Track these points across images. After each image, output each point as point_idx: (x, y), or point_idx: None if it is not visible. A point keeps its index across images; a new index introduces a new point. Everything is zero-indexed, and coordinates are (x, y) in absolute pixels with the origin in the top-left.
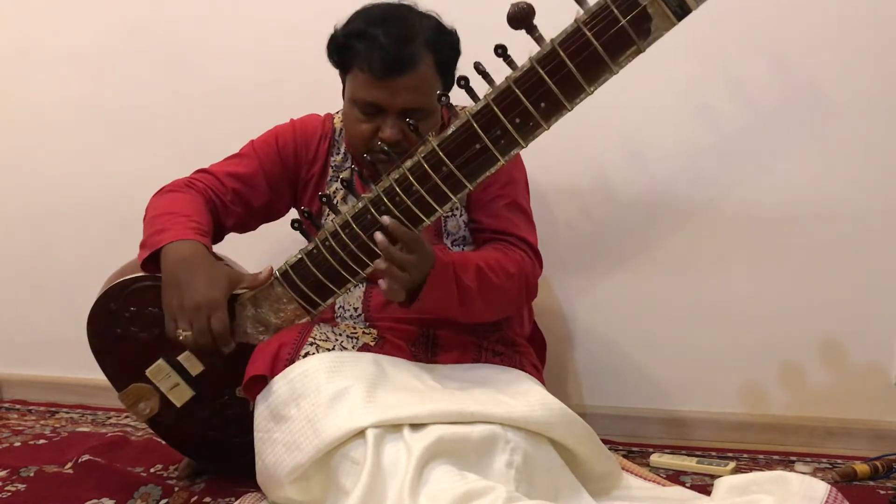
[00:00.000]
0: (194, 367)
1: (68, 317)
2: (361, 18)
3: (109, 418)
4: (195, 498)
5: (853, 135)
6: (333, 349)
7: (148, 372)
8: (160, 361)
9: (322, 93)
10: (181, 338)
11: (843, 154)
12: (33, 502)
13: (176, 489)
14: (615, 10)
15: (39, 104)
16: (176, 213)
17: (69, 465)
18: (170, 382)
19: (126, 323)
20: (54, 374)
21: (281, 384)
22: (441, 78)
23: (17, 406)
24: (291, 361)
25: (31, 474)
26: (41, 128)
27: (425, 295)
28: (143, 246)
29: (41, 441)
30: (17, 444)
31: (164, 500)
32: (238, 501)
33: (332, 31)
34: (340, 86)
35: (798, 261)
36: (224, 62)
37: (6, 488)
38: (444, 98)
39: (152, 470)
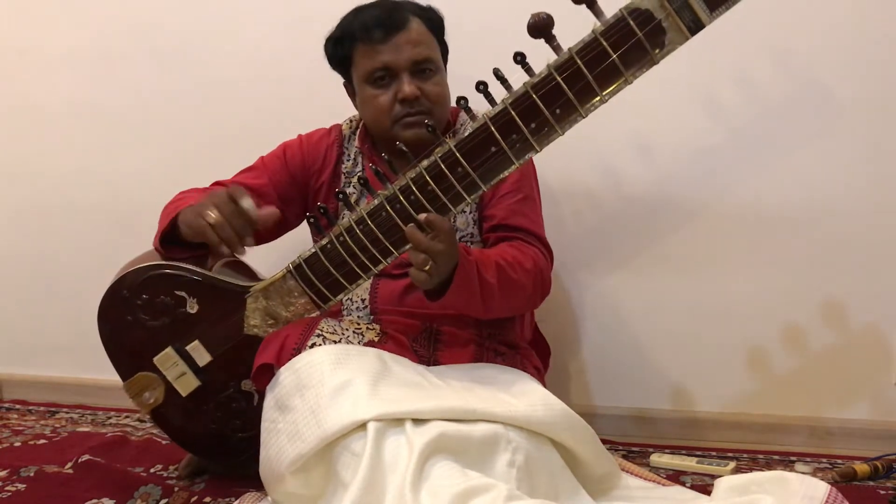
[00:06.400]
0: (202, 357)
1: (68, 317)
2: (349, 14)
3: (109, 418)
4: (195, 498)
5: (858, 133)
6: (340, 342)
7: (156, 359)
8: (168, 349)
9: (322, 92)
10: (212, 220)
11: (848, 153)
12: (33, 502)
13: (176, 489)
14: (632, 23)
15: (39, 104)
16: (192, 199)
17: (69, 465)
18: (177, 371)
19: (137, 310)
20: (54, 374)
21: (287, 374)
22: (435, 37)
23: (17, 406)
24: (298, 352)
25: (31, 474)
26: (41, 128)
27: (451, 293)
28: (159, 231)
29: (41, 441)
30: (17, 444)
31: (164, 500)
32: (238, 501)
33: (326, 31)
34: (340, 86)
35: (799, 260)
36: (224, 62)
37: (6, 488)
38: (462, 101)
39: (152, 470)
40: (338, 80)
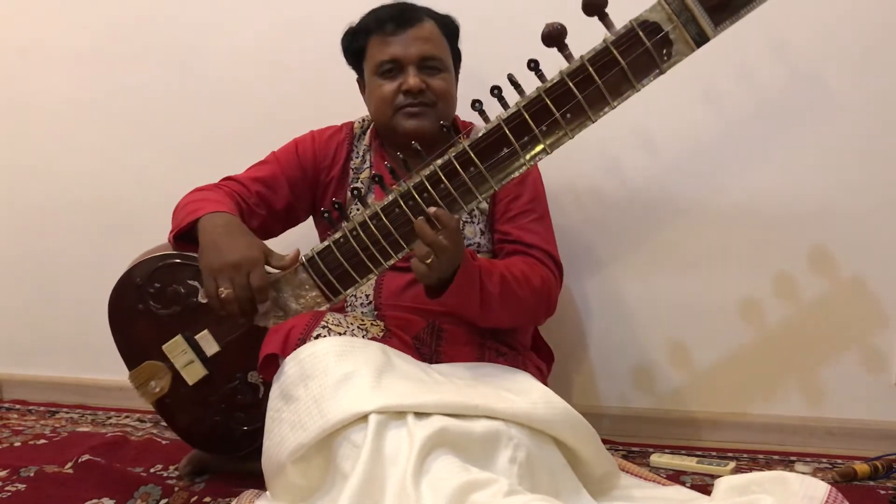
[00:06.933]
0: (210, 346)
1: (68, 317)
2: (366, 14)
3: (109, 418)
4: (195, 498)
5: (858, 129)
6: (345, 334)
7: (165, 347)
8: (178, 337)
9: (321, 92)
10: (223, 296)
11: (846, 150)
12: (33, 502)
13: (176, 489)
14: (641, 34)
15: (39, 104)
16: (208, 200)
17: (69, 465)
18: (185, 359)
19: (148, 298)
20: (54, 374)
21: (291, 364)
22: (447, 41)
23: (17, 406)
24: (303, 342)
25: (31, 474)
26: (41, 127)
27: (450, 292)
28: (175, 227)
29: (41, 441)
30: (17, 444)
31: (164, 500)
32: (236, 501)
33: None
34: (340, 86)
35: (799, 260)
36: (224, 62)
37: (6, 488)
38: (477, 103)
39: (152, 470)
40: (337, 80)
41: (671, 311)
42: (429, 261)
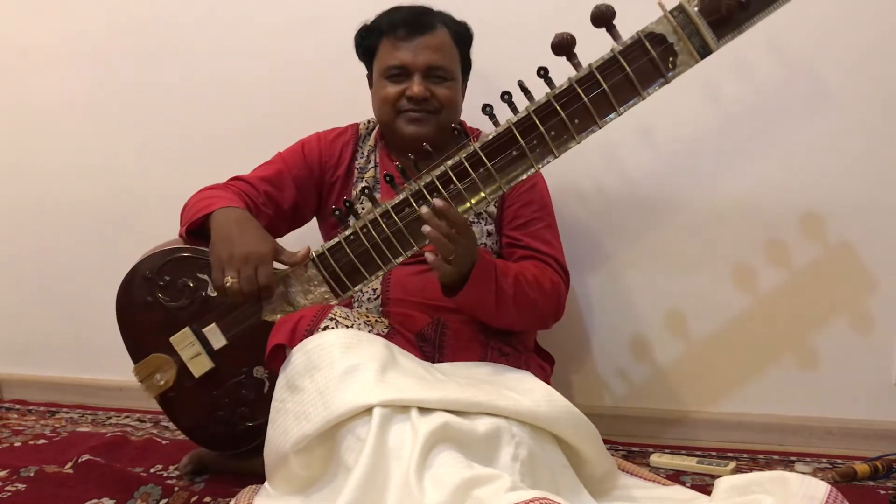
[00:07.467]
0: (218, 340)
1: (68, 317)
2: (386, 10)
3: (109, 418)
4: (195, 498)
5: (857, 130)
6: (351, 328)
7: (172, 339)
8: (186, 329)
9: (322, 92)
10: (228, 284)
11: (848, 150)
12: (33, 502)
13: (176, 489)
14: (647, 45)
15: (39, 103)
16: (220, 197)
17: (69, 465)
18: (192, 351)
19: (157, 290)
20: (54, 374)
21: (298, 355)
22: (458, 50)
23: (17, 406)
24: (310, 333)
25: (31, 474)
26: (41, 127)
27: (469, 286)
28: (187, 220)
29: (41, 441)
30: (17, 444)
31: (164, 500)
32: (235, 500)
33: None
34: (340, 88)
35: (798, 260)
36: (224, 62)
37: (6, 488)
38: (488, 107)
39: (152, 470)
40: (338, 81)
41: (672, 311)
42: (451, 257)
